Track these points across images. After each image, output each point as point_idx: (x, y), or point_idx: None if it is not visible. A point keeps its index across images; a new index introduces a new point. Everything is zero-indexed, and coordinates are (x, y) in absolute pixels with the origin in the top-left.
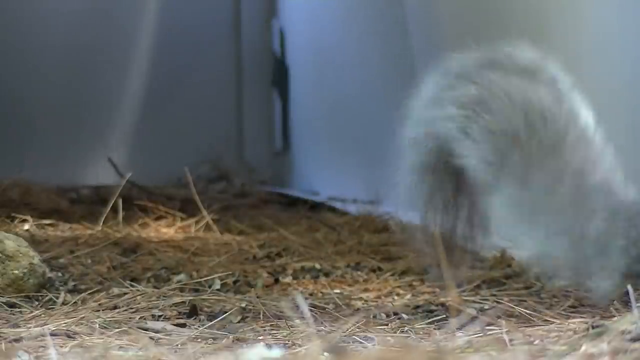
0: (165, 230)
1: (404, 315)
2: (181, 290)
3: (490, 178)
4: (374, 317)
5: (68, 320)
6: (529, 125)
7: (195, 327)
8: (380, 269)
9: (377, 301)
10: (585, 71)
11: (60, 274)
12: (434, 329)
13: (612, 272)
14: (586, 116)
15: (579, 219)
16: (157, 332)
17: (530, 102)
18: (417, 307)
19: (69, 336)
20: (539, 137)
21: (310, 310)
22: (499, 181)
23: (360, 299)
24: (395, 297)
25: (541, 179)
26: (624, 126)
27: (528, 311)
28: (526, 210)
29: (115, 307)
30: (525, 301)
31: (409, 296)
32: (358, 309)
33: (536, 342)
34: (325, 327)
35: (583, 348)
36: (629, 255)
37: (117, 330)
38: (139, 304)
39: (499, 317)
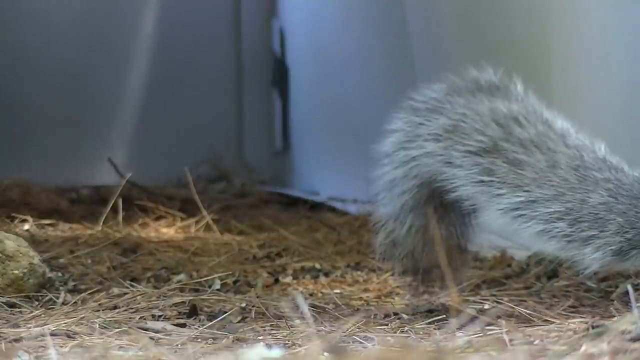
0: (165, 230)
1: (404, 315)
2: (181, 290)
3: (485, 197)
4: (375, 316)
5: (68, 320)
6: (503, 129)
7: (195, 327)
8: (380, 269)
9: (377, 301)
10: (585, 71)
11: (60, 274)
12: (434, 329)
13: (604, 246)
14: (562, 122)
15: (581, 189)
16: (157, 332)
17: (499, 110)
18: (417, 307)
19: (69, 336)
20: (517, 137)
21: (310, 310)
22: (494, 195)
23: (360, 299)
24: (395, 297)
25: (534, 173)
26: (623, 126)
27: (528, 311)
28: (525, 208)
29: (115, 307)
30: (525, 301)
31: (408, 296)
32: (358, 309)
33: (536, 342)
34: (325, 327)
35: (583, 348)
36: (624, 235)
37: (117, 330)
38: (139, 304)
39: (499, 317)
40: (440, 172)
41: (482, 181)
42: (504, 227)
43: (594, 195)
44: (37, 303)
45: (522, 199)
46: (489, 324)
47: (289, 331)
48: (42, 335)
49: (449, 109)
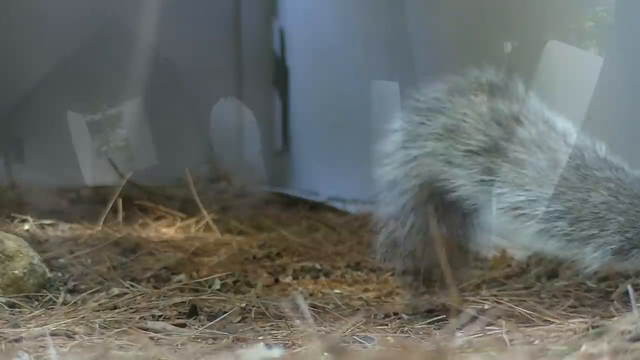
0: (165, 230)
1: (404, 315)
2: (181, 290)
3: (485, 197)
4: (375, 316)
5: (68, 320)
6: (505, 129)
7: (195, 327)
8: (380, 269)
9: (377, 301)
10: (585, 71)
11: (60, 274)
12: (434, 329)
13: (604, 245)
14: (564, 122)
15: (581, 189)
16: (157, 332)
17: (500, 110)
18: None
19: (69, 336)
20: (518, 137)
21: (310, 310)
22: (495, 194)
23: (360, 299)
24: (395, 297)
25: (534, 172)
26: (624, 126)
27: (528, 311)
28: (525, 207)
29: (115, 307)
30: (525, 301)
31: (408, 296)
32: (358, 309)
33: (536, 342)
34: (325, 327)
35: (583, 348)
36: (624, 234)
37: (117, 330)
38: (139, 304)
39: (499, 317)
40: (441, 172)
41: (483, 180)
42: (504, 226)
43: (595, 194)
44: (37, 303)
45: (522, 198)
46: (489, 324)
47: (289, 331)
48: (42, 335)
49: (449, 108)
